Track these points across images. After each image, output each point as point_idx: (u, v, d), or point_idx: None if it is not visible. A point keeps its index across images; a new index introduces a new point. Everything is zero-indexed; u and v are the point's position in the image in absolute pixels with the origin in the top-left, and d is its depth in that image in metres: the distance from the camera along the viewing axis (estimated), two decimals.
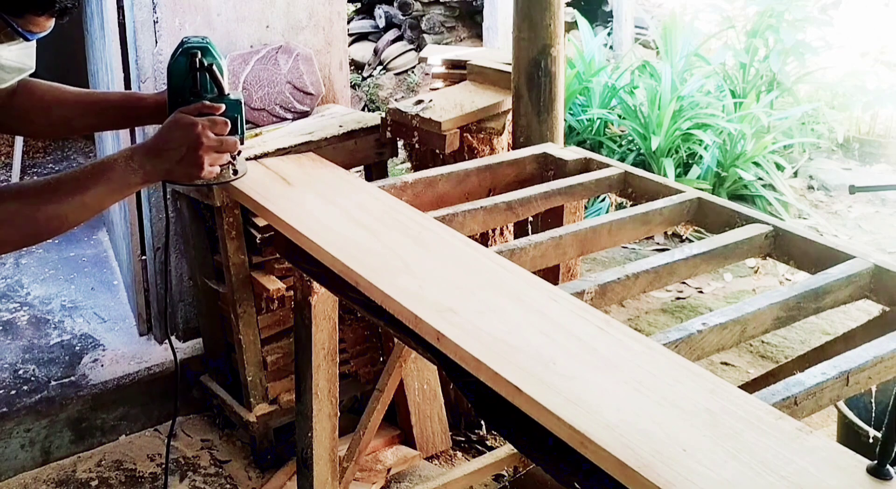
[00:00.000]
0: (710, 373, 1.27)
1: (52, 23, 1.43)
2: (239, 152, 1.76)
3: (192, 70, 1.67)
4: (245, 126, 1.75)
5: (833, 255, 1.73)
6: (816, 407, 1.36)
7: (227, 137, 1.62)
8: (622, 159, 4.77)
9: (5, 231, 1.45)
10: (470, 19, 7.08)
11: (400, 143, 2.84)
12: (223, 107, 1.64)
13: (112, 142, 3.10)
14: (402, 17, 7.12)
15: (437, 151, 2.58)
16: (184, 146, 1.57)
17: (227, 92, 1.70)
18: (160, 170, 1.58)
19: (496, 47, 5.91)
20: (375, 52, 7.15)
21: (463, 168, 2.14)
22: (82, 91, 1.83)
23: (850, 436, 2.20)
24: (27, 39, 1.43)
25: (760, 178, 4.78)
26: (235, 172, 1.78)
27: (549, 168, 2.22)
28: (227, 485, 2.71)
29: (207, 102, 1.64)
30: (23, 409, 2.76)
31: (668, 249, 3.28)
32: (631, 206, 2.02)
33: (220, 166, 1.67)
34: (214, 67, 1.68)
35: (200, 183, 1.68)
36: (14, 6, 1.37)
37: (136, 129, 2.83)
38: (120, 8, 2.82)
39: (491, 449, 2.82)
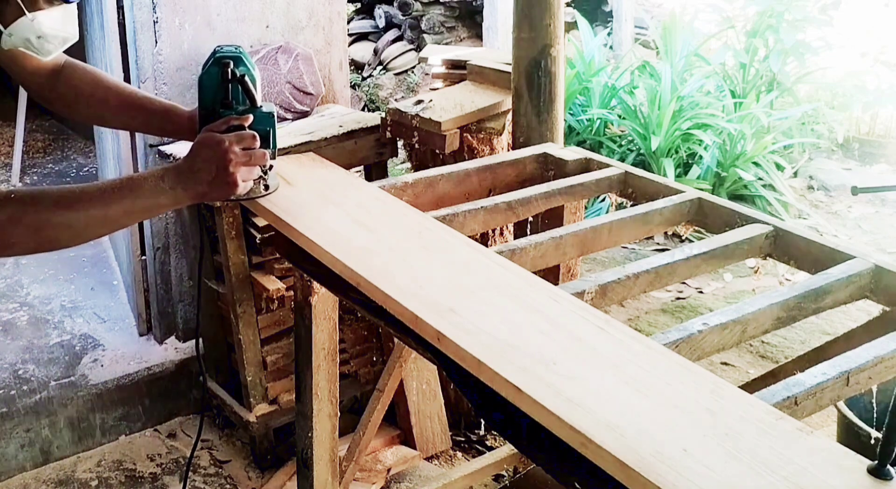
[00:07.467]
0: (710, 373, 1.27)
1: None
2: (271, 167, 1.71)
3: (223, 81, 1.62)
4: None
5: (833, 255, 1.73)
6: (816, 407, 1.36)
7: (256, 150, 1.57)
8: (622, 159, 4.77)
9: (19, 234, 1.41)
10: (470, 19, 7.08)
11: (400, 143, 2.84)
12: (251, 118, 1.60)
13: (112, 142, 3.10)
14: (402, 17, 7.11)
15: (437, 151, 2.58)
16: (213, 165, 1.52)
17: (259, 104, 1.64)
18: (192, 192, 1.53)
19: (496, 47, 5.91)
20: (375, 52, 7.15)
21: (463, 168, 2.14)
22: (125, 91, 1.82)
23: (850, 436, 2.20)
24: (67, 1, 1.42)
25: (760, 178, 4.78)
26: (267, 187, 1.73)
27: (549, 168, 2.22)
28: (227, 485, 2.71)
29: (235, 116, 1.60)
30: (23, 409, 2.76)
31: (668, 249, 3.28)
32: (631, 206, 2.02)
33: (252, 181, 1.63)
34: (247, 78, 1.62)
35: (232, 199, 1.66)
36: None
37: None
38: (120, 8, 2.82)
39: (491, 449, 2.82)
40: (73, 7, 1.46)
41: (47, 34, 1.45)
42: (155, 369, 2.96)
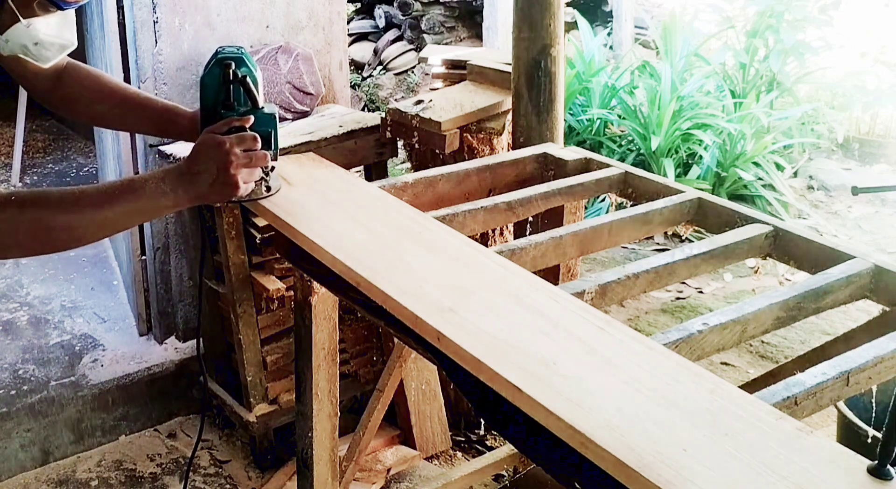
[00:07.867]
0: (710, 373, 1.27)
1: None
2: (272, 168, 1.71)
3: (225, 82, 1.61)
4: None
5: (833, 255, 1.73)
6: (816, 407, 1.36)
7: (257, 152, 1.56)
8: (622, 159, 4.77)
9: (20, 236, 1.41)
10: (470, 19, 7.08)
11: (400, 143, 2.84)
12: (251, 119, 1.60)
13: (112, 142, 3.10)
14: (402, 17, 7.12)
15: (437, 151, 2.58)
16: (214, 167, 1.51)
17: (261, 105, 1.63)
18: (193, 194, 1.53)
19: (496, 47, 5.91)
20: (375, 52, 7.15)
21: (463, 168, 2.14)
22: (126, 92, 1.82)
23: (850, 436, 2.20)
24: (61, 9, 1.41)
25: (760, 178, 4.78)
26: (269, 189, 1.73)
27: (549, 168, 2.22)
28: (227, 485, 2.71)
29: (235, 117, 1.59)
30: (23, 409, 2.76)
31: (668, 249, 3.28)
32: (631, 206, 2.02)
33: (254, 182, 1.62)
34: (248, 79, 1.62)
35: (234, 200, 1.66)
36: None
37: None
38: (120, 8, 2.82)
39: (491, 449, 2.82)
40: (71, 13, 1.45)
41: (44, 41, 1.44)
42: (155, 369, 2.96)
